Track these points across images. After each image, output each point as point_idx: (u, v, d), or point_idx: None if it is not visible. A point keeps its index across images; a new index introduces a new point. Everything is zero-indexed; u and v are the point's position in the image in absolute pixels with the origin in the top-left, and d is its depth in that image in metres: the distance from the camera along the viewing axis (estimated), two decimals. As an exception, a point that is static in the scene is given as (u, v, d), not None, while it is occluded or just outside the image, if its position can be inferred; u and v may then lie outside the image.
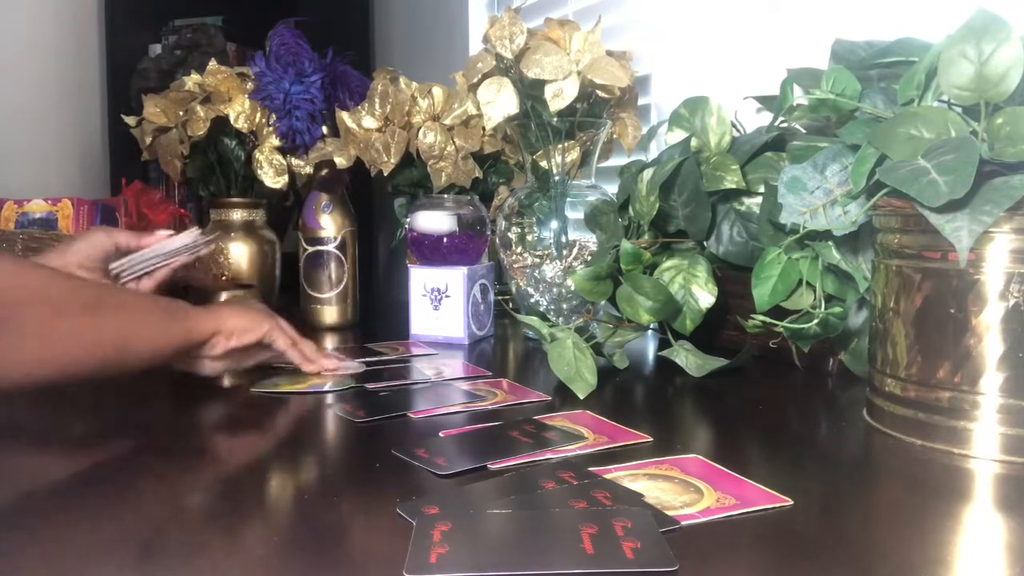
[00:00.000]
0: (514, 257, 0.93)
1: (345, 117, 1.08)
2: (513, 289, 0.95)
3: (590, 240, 0.90)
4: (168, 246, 0.75)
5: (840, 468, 0.48)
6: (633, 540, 0.34)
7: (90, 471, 0.47)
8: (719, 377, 0.70)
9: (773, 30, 0.96)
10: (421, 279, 0.92)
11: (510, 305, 1.07)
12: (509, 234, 0.93)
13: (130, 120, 1.17)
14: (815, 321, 0.61)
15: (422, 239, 0.94)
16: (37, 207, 1.02)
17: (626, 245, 0.72)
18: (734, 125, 0.85)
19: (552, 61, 0.88)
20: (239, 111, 1.11)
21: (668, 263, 0.76)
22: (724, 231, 0.76)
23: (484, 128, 1.02)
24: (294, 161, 1.14)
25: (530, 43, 0.90)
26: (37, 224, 1.00)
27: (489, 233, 0.98)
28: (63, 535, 0.37)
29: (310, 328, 1.02)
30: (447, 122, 1.05)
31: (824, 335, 0.63)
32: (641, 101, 1.10)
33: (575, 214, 0.91)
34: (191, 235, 0.77)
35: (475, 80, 0.94)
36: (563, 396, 0.63)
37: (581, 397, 0.62)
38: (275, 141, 1.11)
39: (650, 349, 0.87)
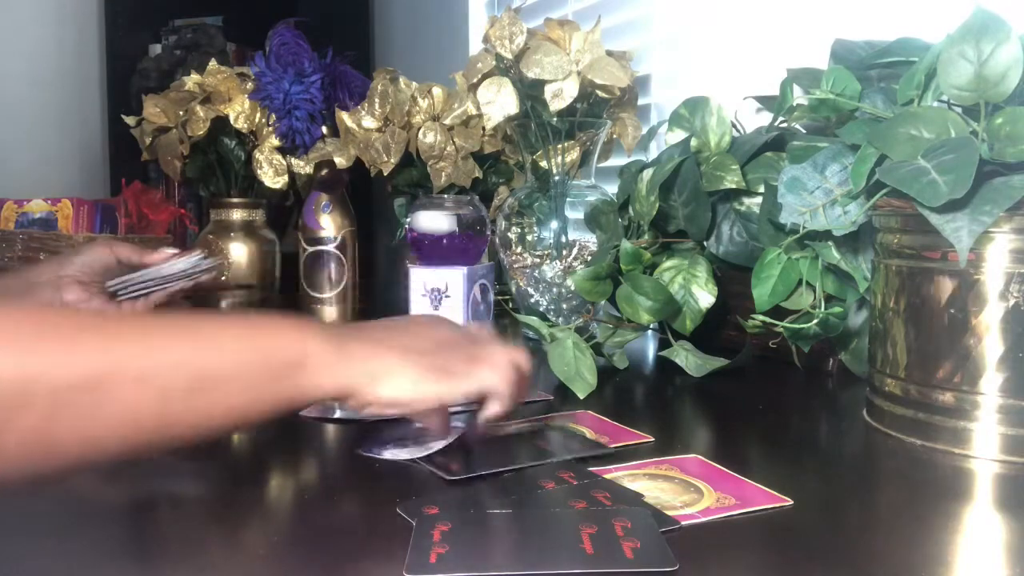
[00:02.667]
0: (514, 257, 0.93)
1: (345, 117, 1.08)
2: (513, 289, 0.95)
3: (590, 240, 0.90)
4: (168, 269, 0.72)
5: (840, 468, 0.48)
6: (633, 540, 0.34)
7: (89, 471, 0.47)
8: (719, 377, 0.70)
9: (773, 30, 0.96)
10: (421, 279, 0.92)
11: (510, 305, 1.07)
12: (509, 234, 0.93)
13: (130, 120, 1.17)
14: (815, 321, 0.61)
15: (422, 239, 0.94)
16: (37, 207, 1.02)
17: (626, 245, 0.72)
18: (734, 125, 0.85)
19: (552, 61, 0.88)
20: (239, 111, 1.11)
21: (668, 263, 0.76)
22: (724, 231, 0.76)
23: (484, 128, 1.02)
24: (294, 161, 1.14)
25: (530, 43, 0.90)
26: (37, 224, 1.00)
27: (489, 233, 0.98)
28: (63, 535, 0.37)
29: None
30: (447, 122, 1.05)
31: (824, 335, 0.63)
32: (641, 101, 1.10)
33: (575, 214, 0.91)
34: (193, 259, 0.74)
35: (475, 80, 0.94)
36: (563, 396, 0.63)
37: (581, 397, 0.62)
38: (275, 141, 1.11)
39: (650, 349, 0.87)
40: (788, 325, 0.62)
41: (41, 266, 0.68)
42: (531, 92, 0.91)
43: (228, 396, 0.35)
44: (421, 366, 0.41)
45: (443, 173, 1.06)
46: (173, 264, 0.73)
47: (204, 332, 0.36)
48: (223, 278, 1.09)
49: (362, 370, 0.40)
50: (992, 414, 0.47)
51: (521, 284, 0.92)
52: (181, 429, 0.35)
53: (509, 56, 0.90)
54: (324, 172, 1.05)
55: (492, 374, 0.43)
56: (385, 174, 1.08)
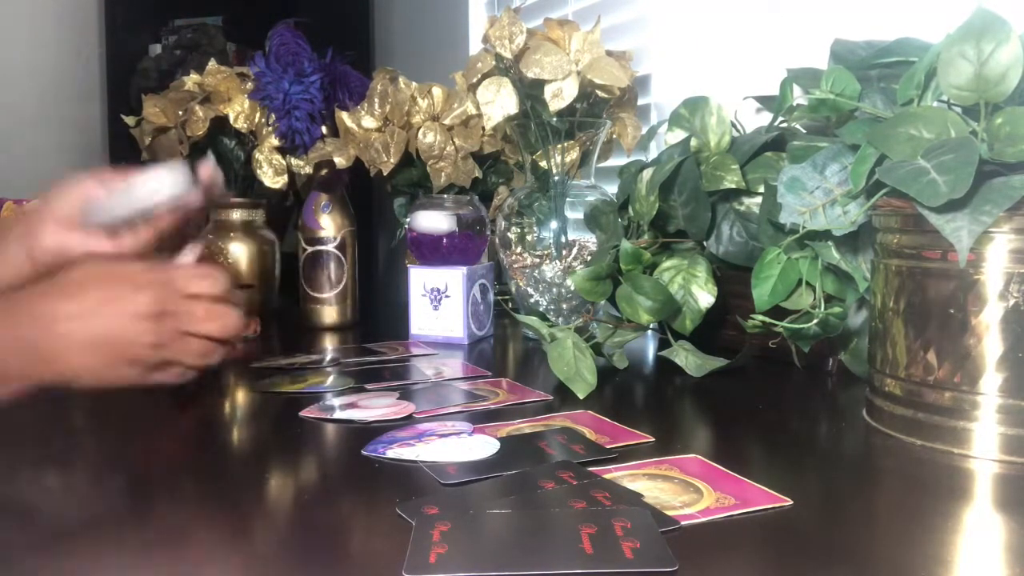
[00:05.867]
0: (514, 257, 0.93)
1: (345, 117, 1.08)
2: (513, 289, 0.95)
3: (590, 240, 0.90)
4: (137, 193, 0.58)
5: (840, 468, 0.48)
6: (632, 540, 0.34)
7: (88, 471, 0.47)
8: (719, 377, 0.70)
9: (773, 30, 0.96)
10: (421, 279, 0.92)
11: (510, 305, 1.07)
12: (509, 234, 0.93)
13: (130, 120, 1.17)
14: (815, 321, 0.61)
15: (422, 239, 0.94)
16: (37, 207, 1.01)
17: (626, 245, 0.72)
18: (734, 125, 0.85)
19: (552, 61, 0.88)
20: (238, 111, 1.11)
21: (668, 263, 0.76)
22: (724, 231, 0.76)
23: (484, 128, 1.02)
24: (294, 161, 1.14)
25: (530, 43, 0.90)
26: (37, 224, 1.00)
27: (489, 233, 0.98)
28: (62, 535, 0.37)
29: (310, 328, 1.02)
30: (447, 122, 1.05)
31: (824, 335, 0.63)
32: (641, 101, 1.10)
33: (575, 214, 0.91)
34: (168, 176, 0.58)
35: (475, 80, 0.94)
36: (563, 396, 0.63)
37: (581, 397, 0.62)
38: (275, 141, 1.11)
39: (650, 349, 0.87)
40: (788, 325, 0.62)
41: (16, 219, 0.59)
42: (531, 92, 0.91)
43: None
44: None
45: (443, 173, 1.06)
46: (141, 185, 0.58)
47: None
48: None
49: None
50: (992, 414, 0.47)
51: (521, 284, 0.92)
52: None
53: (509, 56, 0.90)
54: (324, 172, 1.05)
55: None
56: (385, 174, 1.08)
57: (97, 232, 0.58)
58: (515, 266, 0.92)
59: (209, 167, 0.60)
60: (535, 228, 0.92)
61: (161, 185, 0.59)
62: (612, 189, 0.93)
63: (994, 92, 0.47)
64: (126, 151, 1.33)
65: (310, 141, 1.11)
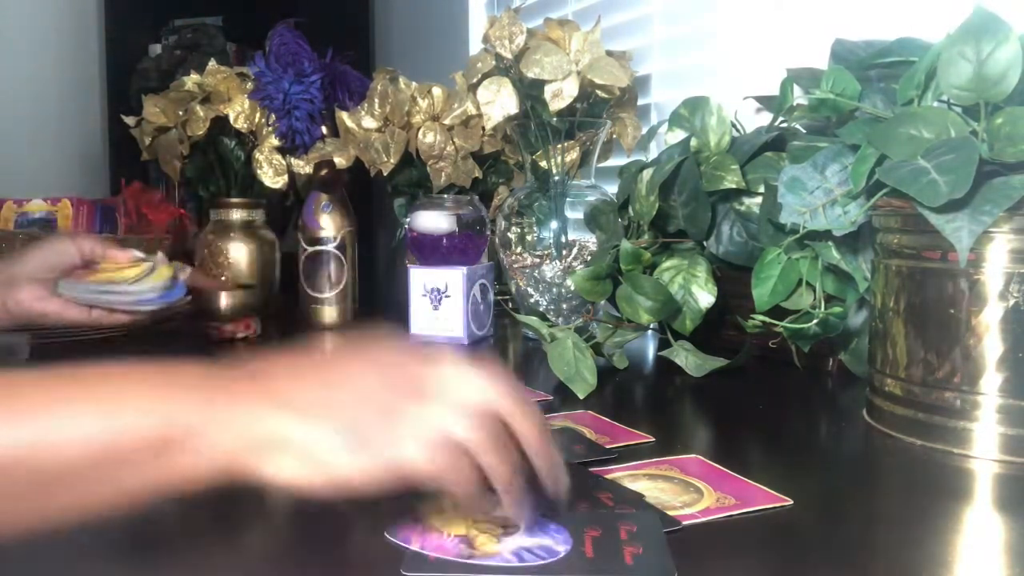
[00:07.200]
0: (514, 257, 0.93)
1: (345, 117, 1.08)
2: (513, 289, 0.95)
3: (590, 240, 0.90)
4: (127, 293, 0.62)
5: (840, 468, 0.48)
6: (635, 545, 0.34)
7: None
8: (719, 377, 0.70)
9: (773, 30, 0.96)
10: (421, 279, 0.92)
11: (510, 305, 1.07)
12: (509, 234, 0.93)
13: (130, 120, 1.17)
14: (815, 321, 0.61)
15: (422, 239, 0.94)
16: (36, 207, 1.02)
17: (626, 245, 0.72)
18: (734, 125, 0.85)
19: (552, 61, 0.88)
20: (239, 111, 1.11)
21: (668, 263, 0.76)
22: (724, 231, 0.76)
23: (484, 128, 1.02)
24: (294, 161, 1.14)
25: (530, 43, 0.90)
26: (37, 224, 1.00)
27: (489, 233, 0.98)
28: (61, 534, 0.37)
29: (310, 328, 1.02)
30: (447, 122, 1.05)
31: (824, 335, 0.63)
32: (641, 101, 1.10)
33: (575, 214, 0.91)
34: (155, 284, 0.62)
35: (475, 80, 0.94)
36: (563, 396, 0.63)
37: (581, 397, 0.62)
38: (275, 141, 1.11)
39: (650, 349, 0.87)
40: (788, 325, 0.62)
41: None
42: (531, 92, 0.91)
43: (78, 493, 0.29)
44: (323, 432, 0.31)
45: (443, 173, 1.06)
46: (139, 286, 0.63)
47: (43, 411, 0.29)
48: (224, 277, 1.08)
49: (246, 438, 0.30)
50: (992, 414, 0.47)
51: (521, 284, 0.92)
52: (20, 528, 0.28)
53: (509, 56, 0.90)
54: (324, 172, 1.05)
55: (415, 447, 0.31)
56: (385, 174, 1.08)
57: (71, 303, 0.64)
58: (515, 266, 0.92)
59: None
60: (535, 228, 0.92)
61: (151, 294, 0.63)
62: (612, 189, 0.93)
63: (994, 92, 0.47)
64: (126, 151, 1.34)
65: (310, 141, 1.11)
